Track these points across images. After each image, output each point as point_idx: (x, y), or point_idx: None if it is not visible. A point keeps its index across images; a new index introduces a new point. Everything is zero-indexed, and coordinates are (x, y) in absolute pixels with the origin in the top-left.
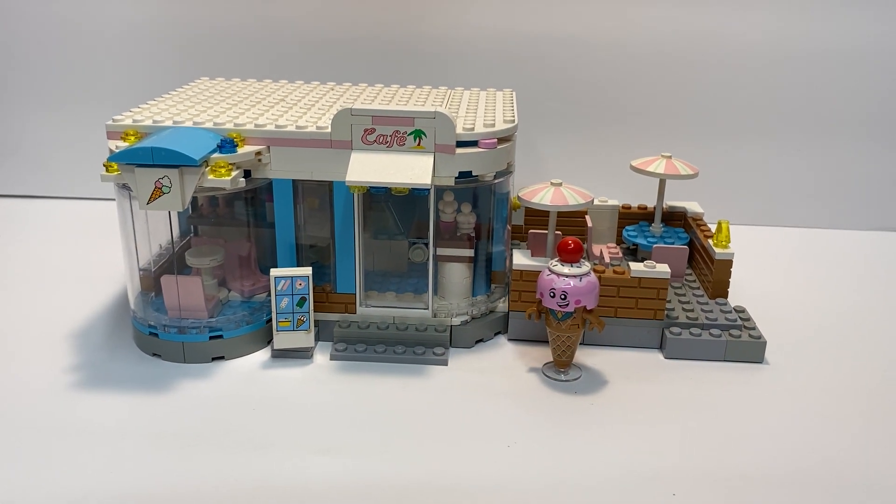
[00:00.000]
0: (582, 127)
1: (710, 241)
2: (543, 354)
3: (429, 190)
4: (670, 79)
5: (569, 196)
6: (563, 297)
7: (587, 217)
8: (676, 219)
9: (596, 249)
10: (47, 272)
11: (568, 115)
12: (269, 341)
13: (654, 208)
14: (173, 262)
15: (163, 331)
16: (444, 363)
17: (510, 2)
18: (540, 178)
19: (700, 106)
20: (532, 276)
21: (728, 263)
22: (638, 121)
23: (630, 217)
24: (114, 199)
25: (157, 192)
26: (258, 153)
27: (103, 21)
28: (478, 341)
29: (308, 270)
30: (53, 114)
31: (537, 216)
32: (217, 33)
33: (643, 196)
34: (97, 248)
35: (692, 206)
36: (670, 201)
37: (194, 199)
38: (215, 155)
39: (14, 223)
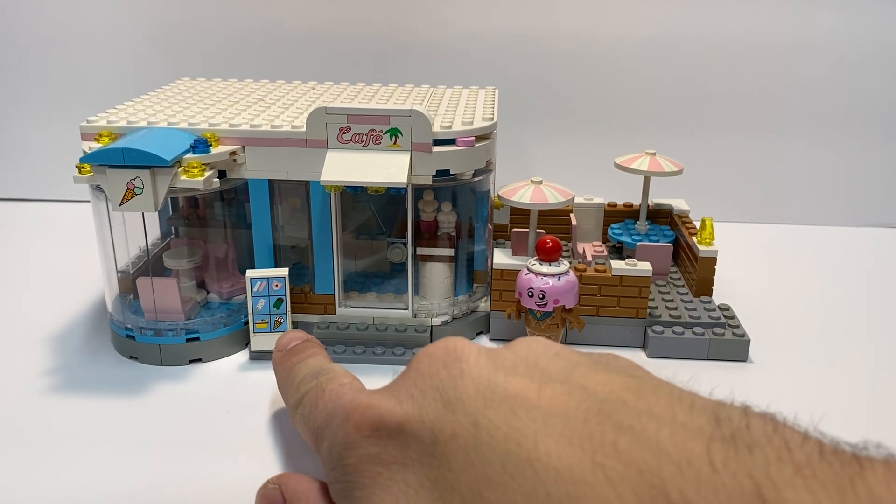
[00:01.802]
0: (567, 124)
1: (694, 238)
2: None
3: (405, 189)
4: (654, 76)
5: (549, 194)
6: (541, 296)
7: (572, 215)
8: (662, 216)
9: (581, 247)
10: (23, 275)
11: (553, 113)
12: (247, 343)
13: (640, 206)
14: (149, 264)
15: (139, 333)
16: None
17: (494, 1)
18: (525, 176)
19: (684, 103)
20: (513, 275)
21: (712, 261)
22: (622, 118)
23: (616, 215)
24: (89, 201)
25: (130, 193)
26: (233, 153)
27: (85, 22)
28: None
29: (284, 271)
30: (30, 116)
31: (523, 215)
32: (199, 34)
33: (629, 194)
34: (74, 251)
35: (678, 204)
36: (658, 199)
37: (174, 201)
38: (188, 155)
39: None
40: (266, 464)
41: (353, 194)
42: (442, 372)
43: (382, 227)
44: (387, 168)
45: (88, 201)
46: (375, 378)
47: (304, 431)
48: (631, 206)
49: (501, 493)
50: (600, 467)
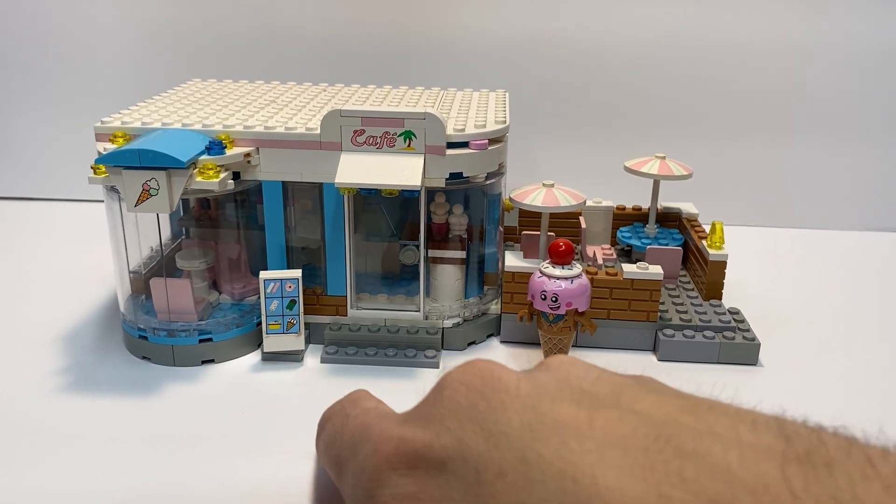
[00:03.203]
0: (576, 128)
1: (703, 242)
2: (536, 357)
3: (419, 191)
4: (664, 80)
5: (561, 197)
6: (553, 299)
7: (581, 218)
8: (671, 220)
9: (590, 251)
10: (37, 275)
11: (562, 116)
12: (260, 344)
13: (649, 209)
14: (162, 265)
15: (152, 334)
16: (436, 366)
17: (505, 3)
18: (534, 179)
19: (694, 107)
20: (524, 277)
21: (722, 265)
22: (632, 121)
23: (624, 218)
24: (103, 201)
25: (145, 194)
26: (247, 155)
27: (96, 23)
28: (470, 343)
29: (298, 273)
30: (44, 116)
31: (531, 217)
32: (210, 35)
33: (638, 197)
34: (87, 251)
35: (687, 207)
36: (666, 202)
37: (185, 202)
38: (203, 157)
39: (3, 225)
40: (279, 464)
41: (364, 196)
42: (481, 403)
43: (393, 228)
44: (401, 171)
45: (101, 201)
46: (386, 379)
47: (325, 458)
48: (640, 209)
49: None
50: (667, 500)
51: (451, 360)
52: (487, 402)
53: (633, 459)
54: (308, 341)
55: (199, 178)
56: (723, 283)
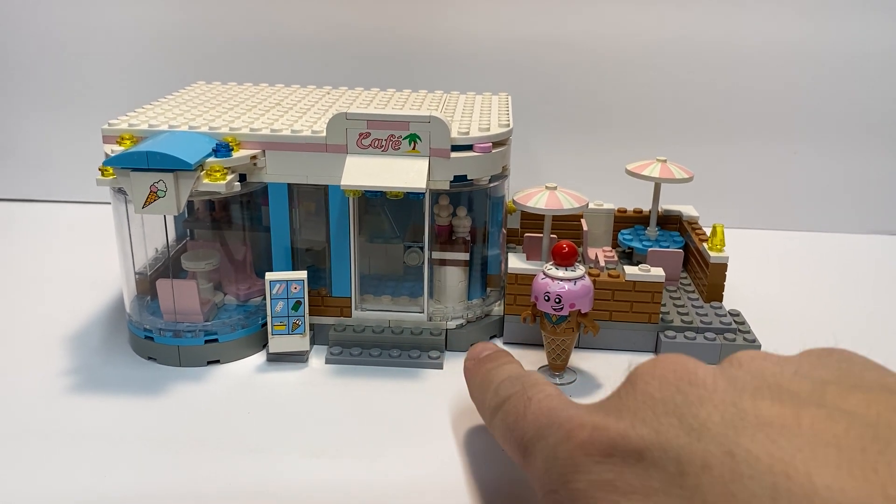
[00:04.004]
0: (578, 131)
1: (704, 244)
2: (539, 358)
3: (424, 194)
4: (665, 83)
5: (563, 200)
6: (557, 300)
7: (583, 221)
8: (672, 222)
9: (591, 253)
10: (43, 276)
11: (564, 119)
12: (265, 345)
13: (650, 212)
14: (168, 266)
15: (158, 334)
16: (440, 367)
17: (508, 7)
18: (536, 182)
19: (695, 110)
20: (527, 279)
21: (723, 267)
22: (634, 125)
23: (626, 221)
24: (110, 203)
25: (153, 196)
26: (253, 157)
27: (102, 25)
28: (473, 345)
29: (303, 274)
30: (50, 117)
31: (534, 220)
32: (214, 38)
33: (639, 200)
34: (93, 252)
35: (688, 210)
36: (666, 205)
37: (190, 204)
38: (210, 159)
39: (9, 226)
40: (285, 464)
41: (368, 199)
42: (677, 397)
43: (396, 230)
44: (406, 173)
45: (107, 203)
46: (390, 380)
47: (506, 441)
48: (641, 211)
49: None
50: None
51: (454, 361)
52: (684, 396)
53: (852, 460)
54: (313, 342)
55: (206, 181)
56: (724, 286)
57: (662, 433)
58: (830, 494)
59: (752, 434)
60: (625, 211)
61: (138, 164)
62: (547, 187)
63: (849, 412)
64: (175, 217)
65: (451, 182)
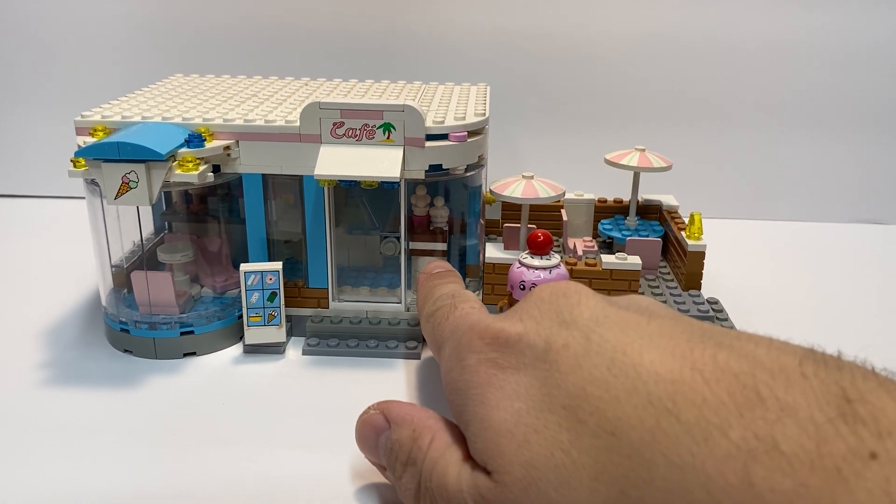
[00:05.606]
0: (557, 121)
1: (682, 233)
2: None
3: (398, 183)
4: (644, 73)
5: (540, 189)
6: (532, 289)
7: (563, 211)
8: (652, 212)
9: (571, 243)
10: (16, 270)
11: (544, 110)
12: (241, 337)
13: (629, 201)
14: (143, 258)
15: (134, 327)
16: (417, 357)
17: None
18: (516, 172)
19: (674, 99)
20: (504, 269)
21: (700, 255)
22: (612, 114)
23: (606, 211)
24: (84, 198)
25: (125, 186)
26: (227, 148)
27: (78, 19)
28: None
29: (278, 265)
30: (24, 112)
31: (514, 210)
32: (192, 31)
33: (620, 190)
34: (69, 246)
35: (668, 199)
36: (647, 194)
37: (168, 196)
38: (183, 150)
39: None
40: (261, 455)
41: (345, 189)
42: (561, 300)
43: (375, 221)
44: (380, 162)
45: (82, 197)
46: (368, 370)
47: (430, 338)
48: (621, 201)
49: (604, 389)
50: (699, 372)
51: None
52: (567, 299)
53: (676, 345)
54: (290, 334)
55: (178, 171)
56: (701, 274)
57: (541, 323)
58: (652, 366)
59: (609, 326)
60: (605, 201)
61: (109, 154)
62: (523, 176)
63: (692, 323)
64: (153, 210)
65: (426, 171)
